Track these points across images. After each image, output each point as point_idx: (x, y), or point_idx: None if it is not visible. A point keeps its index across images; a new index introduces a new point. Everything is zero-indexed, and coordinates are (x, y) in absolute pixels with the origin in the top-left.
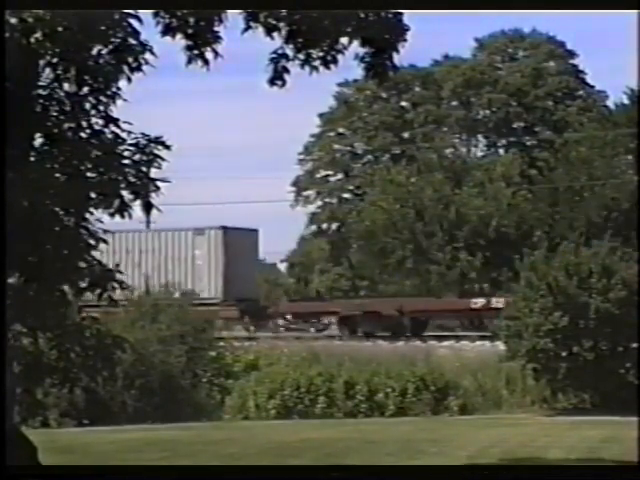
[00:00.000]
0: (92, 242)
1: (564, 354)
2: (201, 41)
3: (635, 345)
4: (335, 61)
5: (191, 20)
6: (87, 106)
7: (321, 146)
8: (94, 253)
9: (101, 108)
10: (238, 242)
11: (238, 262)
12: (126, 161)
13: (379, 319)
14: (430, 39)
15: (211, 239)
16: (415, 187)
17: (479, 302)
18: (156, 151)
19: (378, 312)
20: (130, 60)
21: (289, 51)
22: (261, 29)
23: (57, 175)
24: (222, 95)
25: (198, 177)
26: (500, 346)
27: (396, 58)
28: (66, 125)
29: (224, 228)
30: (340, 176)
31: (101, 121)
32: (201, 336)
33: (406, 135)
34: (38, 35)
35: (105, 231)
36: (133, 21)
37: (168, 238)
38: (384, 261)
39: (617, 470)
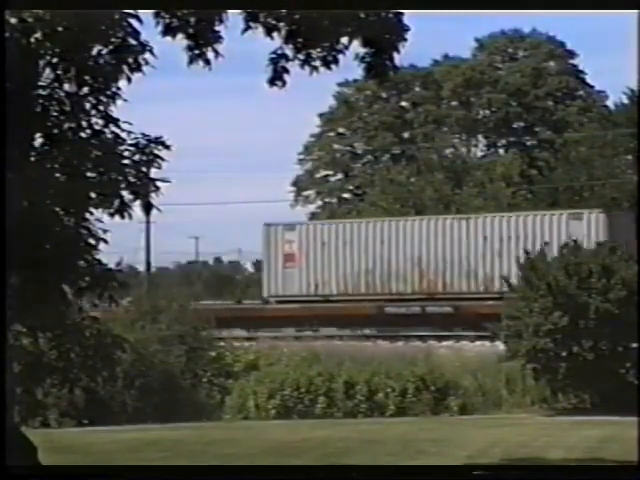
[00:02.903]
0: (92, 242)
1: (564, 354)
2: (202, 41)
3: (635, 345)
4: (335, 61)
5: (192, 20)
6: (87, 106)
7: (321, 146)
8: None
9: (101, 108)
10: (619, 226)
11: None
12: (126, 161)
13: None
14: (430, 39)
15: (591, 223)
16: (415, 187)
17: None
18: (156, 151)
19: None
20: (130, 60)
21: (289, 51)
22: (261, 29)
23: (57, 175)
24: (222, 95)
25: (198, 177)
26: (500, 346)
27: (396, 58)
28: (66, 125)
29: (606, 211)
30: (340, 176)
31: (101, 121)
32: (201, 336)
33: (406, 135)
34: (38, 35)
35: (465, 217)
36: (133, 21)
37: (536, 223)
38: None
39: (617, 470)
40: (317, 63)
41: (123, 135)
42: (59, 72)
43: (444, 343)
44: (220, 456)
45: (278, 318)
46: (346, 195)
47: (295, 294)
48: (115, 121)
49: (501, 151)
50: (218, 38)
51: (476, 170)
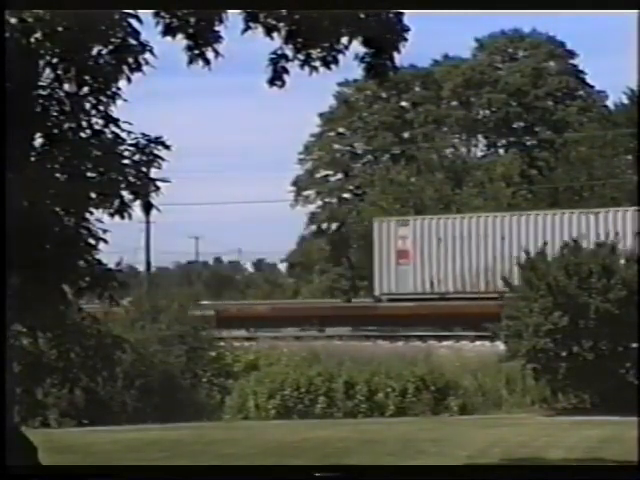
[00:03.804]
0: (92, 242)
1: (564, 354)
2: (202, 41)
3: (635, 345)
4: (335, 61)
5: (192, 20)
6: (87, 106)
7: (321, 146)
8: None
9: (101, 108)
10: None
11: None
12: (126, 161)
13: None
14: (430, 39)
15: None
16: (415, 187)
17: None
18: (156, 151)
19: None
20: (130, 60)
21: (289, 51)
22: (261, 29)
23: (57, 175)
24: (222, 95)
25: (198, 177)
26: (500, 346)
27: (396, 58)
28: (66, 125)
29: None
30: (340, 176)
31: (101, 121)
32: (201, 336)
33: (406, 135)
34: (38, 35)
35: (594, 212)
36: (133, 21)
37: None
38: None
39: (617, 470)
40: (317, 63)
41: (123, 135)
42: (59, 72)
43: (444, 343)
44: (220, 456)
45: (391, 317)
46: (346, 195)
47: (409, 292)
48: (115, 121)
49: (501, 151)
50: (218, 38)
51: (476, 170)
